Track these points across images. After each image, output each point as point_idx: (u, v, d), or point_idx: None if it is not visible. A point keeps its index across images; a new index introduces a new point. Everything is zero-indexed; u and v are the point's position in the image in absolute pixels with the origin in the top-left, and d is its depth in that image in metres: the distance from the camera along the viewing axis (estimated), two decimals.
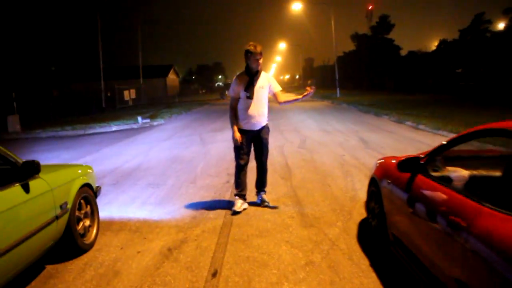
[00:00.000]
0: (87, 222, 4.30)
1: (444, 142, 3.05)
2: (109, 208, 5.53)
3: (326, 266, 3.54)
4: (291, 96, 5.36)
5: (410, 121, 13.91)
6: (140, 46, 43.49)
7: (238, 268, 3.59)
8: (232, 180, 5.78)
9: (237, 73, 5.32)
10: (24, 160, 3.44)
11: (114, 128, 17.55)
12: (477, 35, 45.03)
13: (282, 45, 79.20)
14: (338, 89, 37.76)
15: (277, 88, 5.28)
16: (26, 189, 3.32)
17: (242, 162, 5.24)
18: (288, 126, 14.54)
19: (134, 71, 46.47)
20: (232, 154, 5.52)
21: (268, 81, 5.19)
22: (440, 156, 3.18)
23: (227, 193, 6.03)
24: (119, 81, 42.82)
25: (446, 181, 2.91)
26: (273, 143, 8.74)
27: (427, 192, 2.86)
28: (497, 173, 2.86)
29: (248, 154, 5.28)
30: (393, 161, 3.68)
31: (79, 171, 4.44)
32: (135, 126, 18.28)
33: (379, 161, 4.28)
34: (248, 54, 4.97)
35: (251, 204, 5.38)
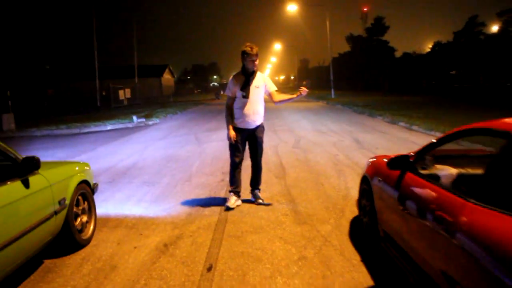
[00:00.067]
0: (85, 218, 4.38)
1: (434, 140, 3.16)
2: (105, 205, 5.60)
3: (318, 261, 3.64)
4: (286, 96, 5.46)
5: (404, 122, 14.06)
6: (136, 46, 43.46)
7: (232, 262, 3.68)
8: (227, 179, 5.88)
9: (233, 73, 5.42)
10: (24, 156, 3.51)
11: (109, 127, 17.57)
12: (471, 38, 45.46)
13: (277, 46, 79.35)
14: (333, 90, 37.93)
15: (273, 88, 5.38)
16: (26, 184, 3.40)
17: (237, 160, 5.35)
18: (282, 126, 14.65)
19: (129, 71, 46.43)
20: (227, 154, 5.62)
21: (264, 81, 5.30)
22: (428, 154, 3.29)
23: (222, 191, 6.12)
24: (114, 81, 42.80)
25: (434, 178, 3.02)
26: (268, 142, 8.83)
27: (416, 189, 2.97)
28: (483, 171, 2.97)
29: (242, 152, 5.39)
30: (384, 159, 3.79)
31: (77, 168, 4.51)
32: (130, 125, 18.31)
33: (370, 160, 4.38)
34: (244, 55, 5.08)
35: (245, 201, 5.48)
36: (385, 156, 4.11)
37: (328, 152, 9.07)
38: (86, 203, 4.47)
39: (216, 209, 5.25)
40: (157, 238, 4.37)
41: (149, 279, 3.44)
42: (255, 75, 5.21)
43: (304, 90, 5.15)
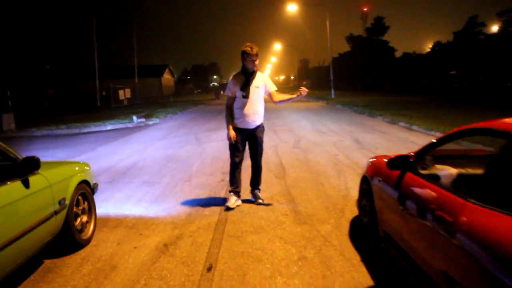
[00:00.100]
0: (85, 218, 4.38)
1: (434, 140, 3.16)
2: (105, 205, 5.60)
3: (318, 261, 3.64)
4: (286, 96, 5.47)
5: (404, 122, 14.06)
6: (135, 46, 43.47)
7: (232, 262, 3.68)
8: (227, 179, 5.88)
9: (234, 73, 5.43)
10: (24, 156, 3.51)
11: (109, 127, 17.57)
12: (471, 38, 45.46)
13: (277, 46, 79.36)
14: (333, 90, 37.94)
15: (273, 88, 5.38)
16: (26, 184, 3.40)
17: (237, 159, 5.35)
18: (283, 126, 14.65)
19: (129, 71, 46.42)
20: (227, 154, 5.62)
21: (264, 81, 5.30)
22: (428, 154, 3.30)
23: (222, 191, 6.12)
24: (114, 81, 42.77)
25: (434, 178, 3.02)
26: (268, 142, 8.84)
27: (415, 189, 2.97)
28: (483, 171, 2.97)
29: (242, 152, 5.39)
30: (384, 160, 3.79)
31: (77, 168, 4.51)
32: (130, 125, 18.31)
33: (370, 160, 4.39)
34: (245, 55, 5.08)
35: (245, 201, 5.48)
36: (385, 156, 4.11)
37: (328, 152, 9.07)
38: (86, 203, 4.47)
39: (216, 209, 5.25)
40: (157, 238, 4.37)
41: (149, 279, 3.44)
42: (255, 75, 5.22)
43: (304, 90, 5.16)
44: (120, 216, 5.18)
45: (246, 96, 5.14)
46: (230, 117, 5.30)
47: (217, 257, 3.82)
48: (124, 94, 40.35)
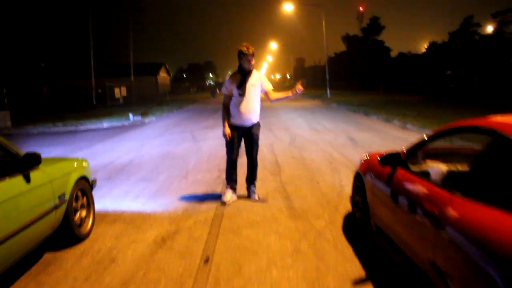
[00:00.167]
0: (84, 213, 4.46)
1: (425, 138, 3.27)
2: (103, 201, 5.69)
3: (312, 254, 3.75)
4: (281, 94, 5.58)
5: (398, 121, 14.21)
6: (131, 44, 43.39)
7: (229, 255, 3.78)
8: (223, 176, 5.97)
9: (230, 72, 5.53)
10: (25, 152, 3.59)
11: (105, 125, 17.62)
12: (466, 38, 45.68)
13: (273, 45, 79.51)
14: (328, 89, 38.04)
15: (269, 86, 5.48)
16: (27, 179, 3.48)
17: (233, 156, 5.46)
18: (278, 125, 14.75)
19: (125, 69, 46.28)
20: (223, 151, 5.72)
21: (260, 80, 5.40)
22: (419, 151, 3.41)
23: (218, 188, 6.22)
24: (110, 79, 42.60)
25: (425, 174, 3.13)
26: (264, 140, 8.94)
27: (406, 185, 3.08)
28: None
29: (238, 149, 5.49)
30: (377, 157, 3.90)
31: (76, 164, 4.59)
32: (126, 123, 18.36)
33: (363, 157, 4.49)
34: (241, 54, 5.19)
35: (241, 197, 5.58)
36: (377, 154, 4.21)
37: (323, 150, 9.18)
38: (85, 198, 4.55)
39: (213, 205, 5.35)
40: (154, 232, 4.46)
41: (148, 271, 3.53)
42: (252, 74, 5.32)
43: (299, 87, 5.24)
44: (118, 211, 5.27)
45: (242, 94, 5.25)
46: (226, 115, 5.40)
47: (214, 250, 3.92)
48: (120, 92, 40.30)
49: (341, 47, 70.87)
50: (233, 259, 3.70)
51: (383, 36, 60.71)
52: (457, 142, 5.73)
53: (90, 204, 4.64)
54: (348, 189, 5.71)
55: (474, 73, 43.83)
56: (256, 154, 5.59)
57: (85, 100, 33.35)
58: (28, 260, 3.80)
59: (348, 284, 3.19)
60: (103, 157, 9.40)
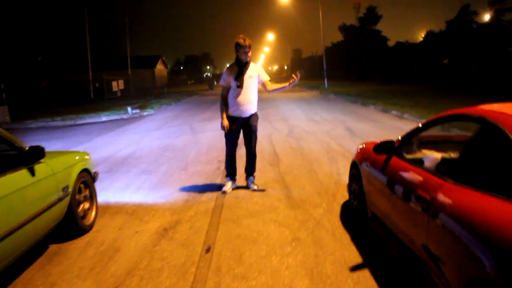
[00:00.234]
0: (87, 205, 4.56)
1: (420, 125, 3.36)
2: (105, 194, 5.78)
3: (311, 242, 3.86)
4: (278, 85, 5.66)
5: (396, 111, 14.29)
6: (128, 38, 43.30)
7: (230, 244, 3.89)
8: (223, 167, 6.07)
9: (228, 64, 5.61)
10: (29, 146, 3.67)
11: (104, 119, 17.67)
12: (463, 27, 45.60)
13: (270, 36, 79.41)
14: (326, 80, 38.08)
15: (266, 77, 5.56)
16: (32, 172, 3.57)
17: (232, 148, 5.57)
18: (276, 116, 14.83)
19: (122, 62, 46.22)
20: (222, 143, 5.81)
21: (257, 71, 5.48)
22: (412, 139, 3.50)
23: (218, 179, 6.32)
24: (107, 72, 42.57)
25: (418, 162, 3.23)
26: (262, 131, 9.02)
27: (400, 172, 3.17)
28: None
29: (237, 140, 5.59)
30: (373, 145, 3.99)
31: (78, 157, 4.68)
32: (125, 116, 18.42)
33: (360, 146, 4.59)
34: (238, 47, 5.26)
35: (240, 188, 5.69)
36: (373, 143, 4.30)
37: (321, 141, 9.28)
38: (87, 190, 4.65)
39: (213, 196, 5.45)
40: (156, 223, 4.57)
41: (151, 260, 3.64)
42: (249, 65, 5.39)
43: (295, 77, 5.28)
44: (120, 203, 5.37)
45: (240, 86, 5.33)
46: (224, 107, 5.49)
47: (215, 239, 4.03)
48: (117, 85, 40.27)
49: (338, 37, 70.79)
50: (233, 247, 3.81)
51: (380, 26, 60.61)
52: (455, 132, 5.83)
53: (93, 196, 4.74)
54: (345, 178, 5.81)
55: (471, 62, 43.84)
56: (255, 145, 5.68)
57: (83, 94, 33.35)
58: (34, 252, 3.89)
59: (346, 270, 3.29)
60: (103, 150, 9.48)
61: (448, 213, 2.29)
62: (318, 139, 9.49)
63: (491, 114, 2.40)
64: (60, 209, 3.96)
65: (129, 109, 19.36)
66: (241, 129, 5.57)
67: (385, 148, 3.41)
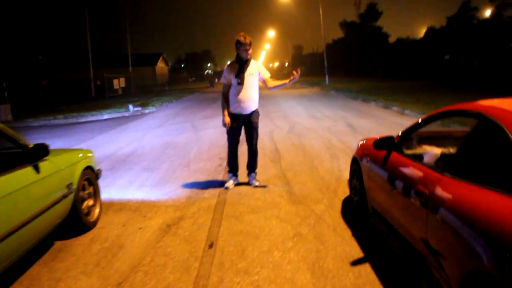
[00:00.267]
0: (91, 202, 4.61)
1: (419, 121, 3.40)
2: (108, 191, 5.83)
3: (312, 237, 3.90)
4: (279, 82, 5.70)
5: (397, 107, 14.32)
6: (129, 37, 43.31)
7: (232, 240, 3.94)
8: (224, 164, 6.12)
9: (228, 62, 5.66)
10: (34, 144, 3.72)
11: (105, 117, 17.73)
12: (464, 22, 45.46)
13: (271, 33, 79.26)
14: (327, 76, 38.09)
15: (266, 74, 5.60)
16: (37, 170, 3.62)
17: (234, 145, 5.62)
18: (277, 113, 14.87)
19: (123, 60, 46.28)
20: (223, 140, 5.86)
21: (258, 68, 5.52)
22: (412, 135, 3.54)
23: (220, 175, 6.37)
24: (108, 70, 42.57)
25: (418, 157, 3.27)
26: (263, 128, 9.07)
27: (399, 167, 3.21)
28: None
29: (238, 137, 5.64)
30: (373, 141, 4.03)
31: (81, 155, 4.72)
32: (126, 114, 18.47)
33: (360, 142, 4.63)
34: (238, 44, 5.30)
35: (242, 184, 5.74)
36: (373, 139, 4.35)
37: (322, 137, 9.32)
38: (91, 187, 4.70)
39: (215, 192, 5.50)
40: (160, 219, 4.62)
41: (155, 256, 3.69)
42: (249, 63, 5.44)
43: (296, 74, 5.32)
44: (123, 200, 5.42)
45: (241, 83, 5.37)
46: (225, 104, 5.53)
47: (218, 235, 4.08)
48: (118, 83, 40.32)
49: (339, 33, 70.59)
50: (236, 243, 3.86)
51: (381, 22, 60.53)
52: (455, 127, 5.87)
53: (96, 193, 4.79)
54: (346, 174, 5.85)
55: (472, 57, 43.74)
56: (256, 142, 5.73)
57: (84, 92, 33.40)
58: (39, 248, 3.94)
59: (347, 265, 3.34)
60: (105, 148, 9.53)
61: (447, 207, 2.33)
62: (319, 136, 9.53)
63: (489, 109, 2.44)
64: (64, 206, 4.01)
65: (130, 107, 19.41)
66: (243, 126, 5.61)
67: (385, 144, 3.45)
